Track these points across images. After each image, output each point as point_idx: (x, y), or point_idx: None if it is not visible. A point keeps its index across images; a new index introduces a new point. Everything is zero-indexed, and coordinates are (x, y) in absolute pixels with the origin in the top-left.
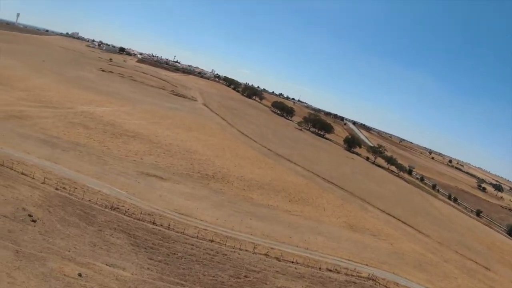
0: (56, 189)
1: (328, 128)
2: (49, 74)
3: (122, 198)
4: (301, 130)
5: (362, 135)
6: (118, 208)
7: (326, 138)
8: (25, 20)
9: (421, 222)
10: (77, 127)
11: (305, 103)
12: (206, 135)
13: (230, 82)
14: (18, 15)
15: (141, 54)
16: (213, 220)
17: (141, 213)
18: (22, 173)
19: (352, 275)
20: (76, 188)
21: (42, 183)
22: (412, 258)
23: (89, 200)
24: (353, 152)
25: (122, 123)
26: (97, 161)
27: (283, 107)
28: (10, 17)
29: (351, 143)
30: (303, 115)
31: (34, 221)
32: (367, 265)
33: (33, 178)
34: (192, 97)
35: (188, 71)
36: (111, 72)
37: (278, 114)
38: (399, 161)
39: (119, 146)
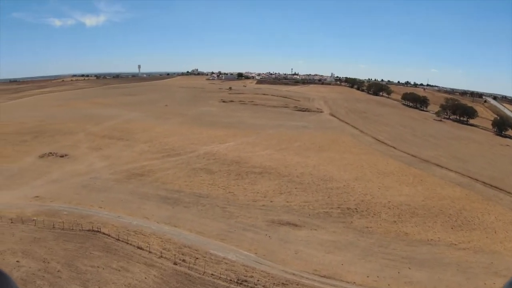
0: (175, 263)
1: (470, 113)
2: (171, 118)
3: (250, 264)
4: (440, 120)
5: (508, 111)
6: (245, 281)
7: (471, 125)
8: (147, 68)
9: None
10: (200, 174)
11: (435, 86)
12: (340, 152)
13: (352, 83)
14: (139, 66)
15: (259, 75)
16: (363, 279)
17: (273, 283)
18: (138, 247)
19: None
20: (197, 258)
21: (159, 257)
22: None
23: (212, 274)
24: (506, 136)
25: (248, 158)
26: (221, 214)
27: (415, 98)
28: (133, 69)
29: (501, 125)
30: (438, 101)
31: None
32: None
33: (149, 252)
34: (317, 108)
35: (308, 80)
36: (232, 101)
37: (410, 106)
38: None
39: (246, 189)
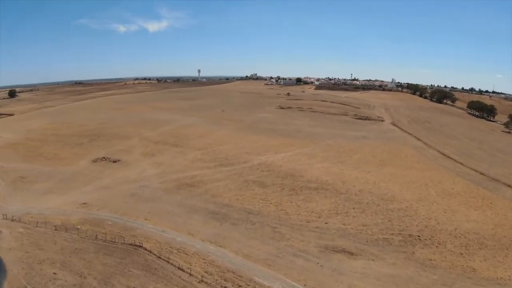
0: None
1: None
2: (227, 124)
3: None
4: (509, 132)
5: None
6: None
7: None
8: (207, 72)
9: None
10: (252, 187)
11: (501, 93)
12: (402, 167)
13: (414, 89)
14: (199, 71)
15: (318, 80)
16: None
17: None
18: (179, 268)
19: None
20: (240, 286)
21: (199, 281)
22: None
23: None
24: None
25: (303, 171)
26: (271, 235)
27: (481, 107)
28: (194, 73)
29: None
30: (505, 110)
31: None
32: None
33: (190, 274)
34: (378, 117)
35: (368, 86)
36: (290, 107)
37: (476, 116)
38: None
39: (299, 207)
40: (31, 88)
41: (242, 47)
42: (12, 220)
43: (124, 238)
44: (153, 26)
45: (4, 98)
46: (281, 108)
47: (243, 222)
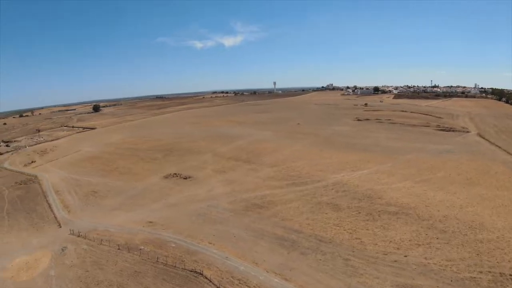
0: None
1: None
2: (302, 138)
3: None
4: None
5: None
6: None
7: None
8: (283, 84)
9: None
10: (325, 210)
11: None
12: (492, 187)
13: (499, 95)
14: (274, 83)
15: (396, 88)
16: None
17: None
18: None
19: None
20: None
21: None
22: None
23: None
24: None
25: (382, 192)
26: (343, 269)
27: None
28: (270, 85)
29: None
30: None
31: None
32: None
33: None
34: (462, 128)
35: (449, 93)
36: (367, 119)
37: None
38: None
39: (376, 236)
40: (115, 103)
41: (317, 57)
42: (78, 236)
43: (185, 263)
44: (228, 41)
45: (89, 113)
46: (358, 120)
47: (312, 251)
